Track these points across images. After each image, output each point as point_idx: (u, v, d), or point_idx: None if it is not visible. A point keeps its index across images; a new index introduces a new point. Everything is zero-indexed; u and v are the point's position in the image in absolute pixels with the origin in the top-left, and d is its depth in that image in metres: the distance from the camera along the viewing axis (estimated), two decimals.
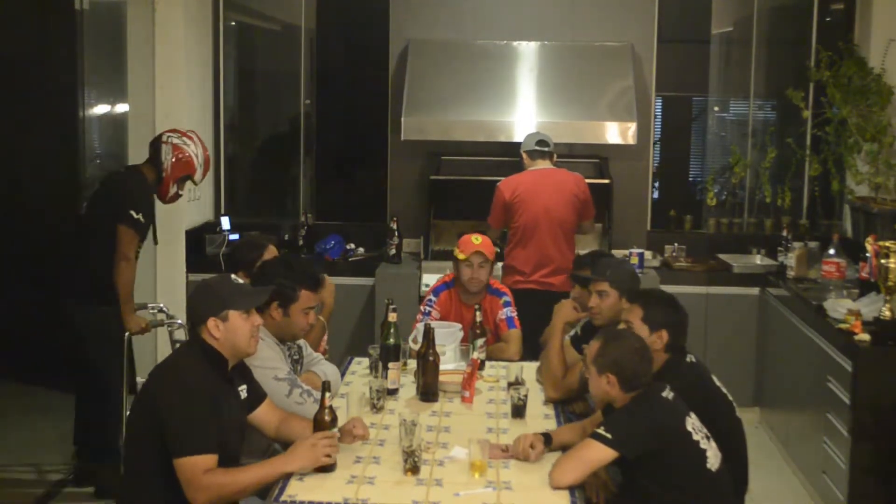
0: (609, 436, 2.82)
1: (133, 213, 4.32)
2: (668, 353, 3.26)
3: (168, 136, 4.48)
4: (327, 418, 2.89)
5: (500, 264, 5.08)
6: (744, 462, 3.32)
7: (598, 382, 2.96)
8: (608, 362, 2.94)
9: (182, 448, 2.72)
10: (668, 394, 2.97)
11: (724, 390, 3.32)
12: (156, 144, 4.50)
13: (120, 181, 4.54)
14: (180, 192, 4.59)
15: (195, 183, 4.62)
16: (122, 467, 2.98)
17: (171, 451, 2.72)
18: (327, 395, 2.91)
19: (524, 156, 5.25)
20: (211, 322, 2.87)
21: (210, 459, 2.73)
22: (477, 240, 4.38)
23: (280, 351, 3.39)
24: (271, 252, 3.97)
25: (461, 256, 4.35)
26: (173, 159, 4.44)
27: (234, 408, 2.93)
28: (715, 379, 3.34)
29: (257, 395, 3.08)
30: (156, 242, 4.75)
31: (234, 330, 2.89)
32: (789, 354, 5.15)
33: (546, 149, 5.20)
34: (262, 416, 3.08)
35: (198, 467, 2.71)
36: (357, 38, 6.58)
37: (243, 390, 3.02)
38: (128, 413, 3.26)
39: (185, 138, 4.49)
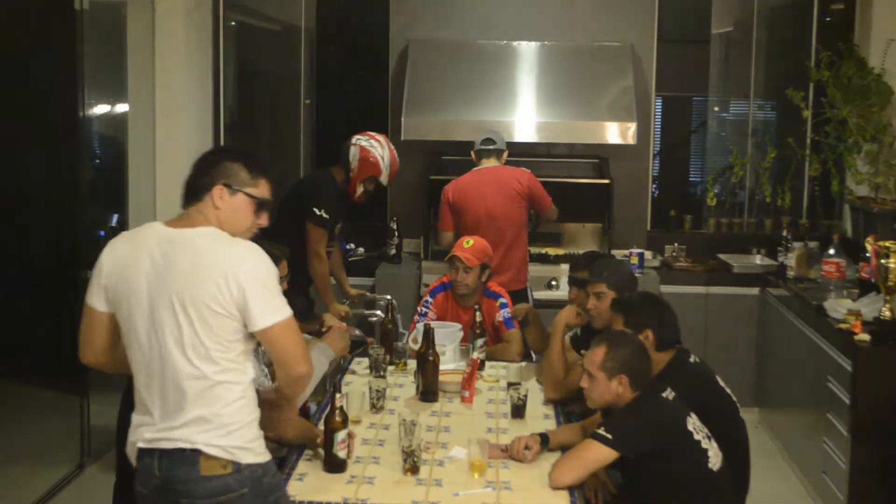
0: (609, 436, 2.82)
1: (316, 210, 4.52)
2: (666, 352, 3.27)
3: (357, 139, 4.69)
4: (338, 419, 2.89)
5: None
6: (746, 463, 3.32)
7: (608, 387, 2.94)
8: (618, 364, 2.94)
9: None
10: (668, 394, 2.97)
11: (728, 391, 3.33)
12: (346, 146, 4.70)
13: (308, 181, 4.81)
14: (369, 190, 4.75)
15: (382, 184, 4.78)
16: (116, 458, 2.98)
17: None
18: (338, 395, 2.91)
19: (472, 155, 5.24)
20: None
21: None
22: (467, 243, 4.36)
23: None
24: (283, 267, 3.97)
25: (449, 256, 4.37)
26: (360, 161, 4.62)
27: None
28: (719, 379, 3.34)
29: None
30: (334, 238, 4.87)
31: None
32: (789, 354, 5.15)
33: (492, 146, 5.17)
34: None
35: None
36: (357, 38, 6.58)
37: None
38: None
39: (373, 141, 4.68)
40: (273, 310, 2.39)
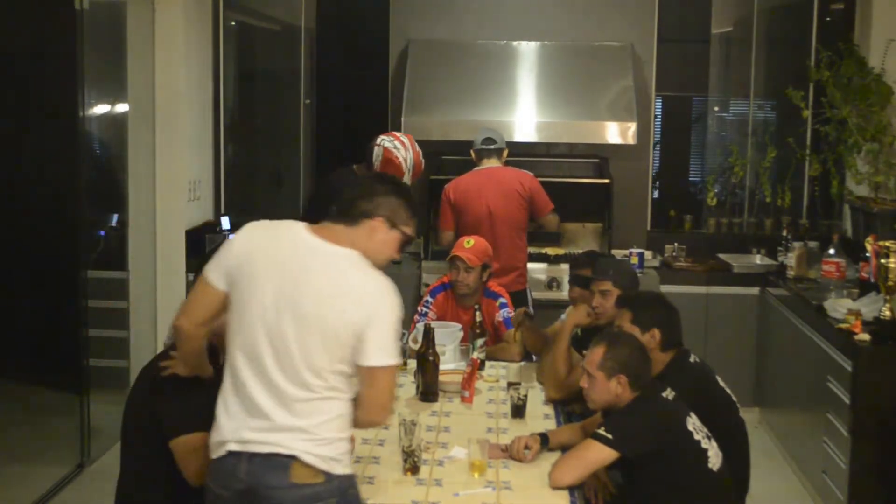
0: (610, 436, 2.82)
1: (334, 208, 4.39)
2: (667, 352, 3.27)
3: (381, 140, 4.65)
4: None
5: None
6: (746, 463, 3.32)
7: (607, 387, 2.94)
8: (618, 364, 2.93)
9: (173, 430, 2.69)
10: (668, 394, 2.97)
11: (728, 391, 3.33)
12: (370, 146, 4.67)
13: (331, 178, 4.75)
14: None
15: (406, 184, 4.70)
16: (120, 467, 2.97)
17: (166, 436, 2.71)
18: None
19: (473, 154, 5.22)
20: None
21: (201, 437, 2.65)
22: (468, 243, 4.36)
23: None
24: None
25: (450, 256, 4.35)
26: (382, 161, 4.59)
27: None
28: (719, 380, 3.34)
29: None
30: None
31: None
32: (789, 354, 5.15)
33: (493, 146, 5.15)
34: None
35: (189, 447, 2.67)
36: (357, 38, 6.58)
37: None
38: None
39: (396, 142, 4.64)
40: (386, 352, 2.39)
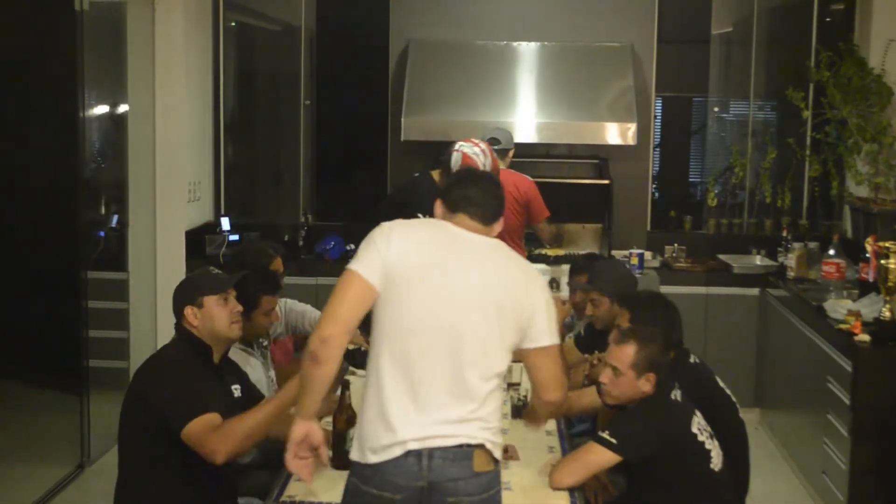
0: (614, 441, 2.82)
1: (420, 215, 4.29)
2: (667, 353, 3.26)
3: (460, 145, 4.58)
4: (345, 416, 2.89)
5: None
6: (746, 464, 3.32)
7: (636, 384, 2.93)
8: (648, 363, 2.93)
9: (182, 418, 2.69)
10: (675, 394, 2.97)
11: (728, 391, 3.33)
12: (448, 151, 4.61)
13: (410, 185, 4.74)
14: None
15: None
16: (118, 469, 2.98)
17: (175, 429, 2.71)
18: (347, 393, 2.90)
19: None
20: (188, 310, 2.90)
21: (212, 417, 2.68)
22: None
23: (244, 355, 3.40)
24: (278, 263, 3.98)
25: None
26: (462, 167, 4.47)
27: (228, 402, 2.91)
28: (719, 380, 3.34)
29: (253, 395, 3.08)
30: None
31: (210, 316, 2.90)
32: (789, 355, 5.15)
33: (496, 147, 5.12)
34: None
35: (204, 426, 2.67)
36: (357, 38, 6.57)
37: (237, 389, 3.02)
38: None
39: (476, 149, 4.57)
40: (552, 333, 2.49)
